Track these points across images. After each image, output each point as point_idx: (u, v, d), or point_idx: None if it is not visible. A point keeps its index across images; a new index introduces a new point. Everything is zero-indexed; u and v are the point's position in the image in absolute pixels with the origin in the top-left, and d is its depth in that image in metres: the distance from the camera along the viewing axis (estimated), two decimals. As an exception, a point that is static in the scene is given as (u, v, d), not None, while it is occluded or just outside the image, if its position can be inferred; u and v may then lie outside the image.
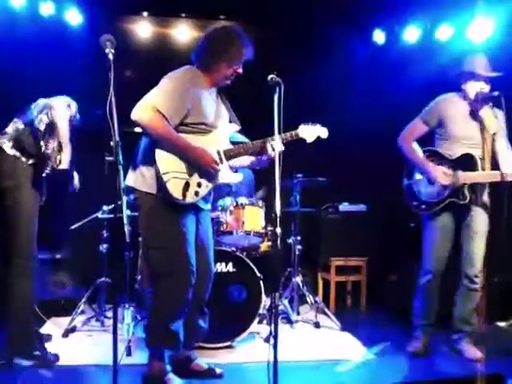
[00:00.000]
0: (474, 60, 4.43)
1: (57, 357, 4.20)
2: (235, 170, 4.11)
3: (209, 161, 3.68)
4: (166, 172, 3.56)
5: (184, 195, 3.61)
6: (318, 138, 3.99)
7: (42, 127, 4.12)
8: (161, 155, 3.58)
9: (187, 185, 3.63)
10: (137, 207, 3.83)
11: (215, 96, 3.92)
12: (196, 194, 3.69)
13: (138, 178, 3.70)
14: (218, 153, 3.81)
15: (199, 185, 3.70)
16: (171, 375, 3.75)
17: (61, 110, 4.19)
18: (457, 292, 4.56)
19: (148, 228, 3.76)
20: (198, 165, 3.66)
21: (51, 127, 4.13)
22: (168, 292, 3.68)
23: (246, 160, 4.05)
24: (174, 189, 3.59)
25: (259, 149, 3.88)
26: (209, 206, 3.99)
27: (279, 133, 3.37)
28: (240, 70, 3.81)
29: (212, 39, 3.78)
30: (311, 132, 3.96)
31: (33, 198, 4.10)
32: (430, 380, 3.89)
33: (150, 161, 3.61)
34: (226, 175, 3.87)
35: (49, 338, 4.59)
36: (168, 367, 3.78)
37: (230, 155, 3.85)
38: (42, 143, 4.06)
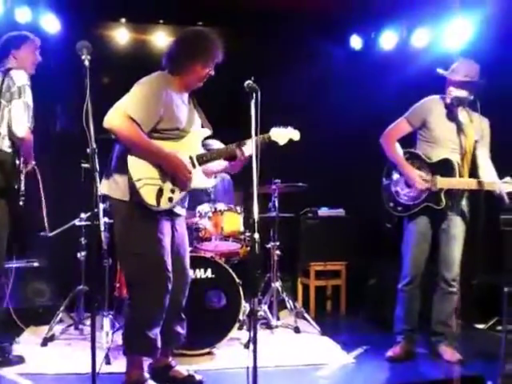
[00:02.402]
0: (454, 65, 4.47)
1: (22, 358, 4.25)
2: (214, 176, 4.12)
3: (180, 168, 3.67)
4: (138, 179, 3.55)
5: (158, 202, 3.60)
6: (291, 140, 3.99)
7: (8, 152, 4.04)
8: (133, 162, 3.57)
9: (160, 191, 3.62)
10: (111, 214, 3.83)
11: (187, 101, 3.91)
12: (170, 200, 3.67)
13: (111, 186, 3.67)
14: (191, 158, 3.80)
15: (172, 191, 3.68)
16: (150, 382, 3.74)
17: (23, 130, 4.01)
18: (434, 295, 4.59)
19: (123, 235, 3.71)
20: (170, 171, 3.65)
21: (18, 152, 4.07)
22: (145, 299, 3.66)
23: (219, 166, 4.06)
24: (148, 195, 3.57)
25: (232, 153, 3.89)
26: (184, 211, 3.98)
27: (256, 136, 3.38)
28: (212, 72, 3.81)
29: (185, 41, 3.79)
30: (283, 135, 3.95)
31: (3, 227, 4.08)
32: (410, 383, 3.92)
33: (123, 168, 3.59)
34: (199, 180, 3.86)
35: (21, 360, 4.37)
36: (146, 375, 3.77)
37: (202, 160, 3.85)
38: (16, 178, 4.02)
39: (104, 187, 3.67)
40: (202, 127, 3.99)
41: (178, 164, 3.66)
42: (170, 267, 3.70)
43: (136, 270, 3.68)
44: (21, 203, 4.08)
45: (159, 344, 3.74)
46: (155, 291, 3.66)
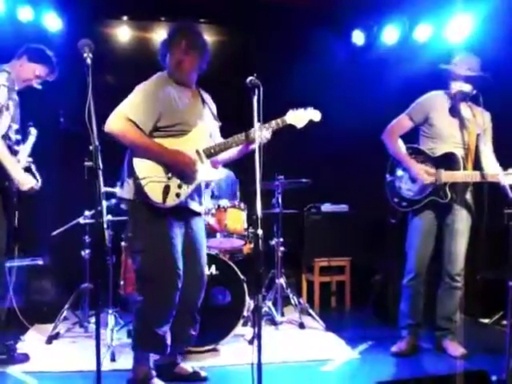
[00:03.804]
0: (456, 59, 4.46)
1: (27, 356, 4.29)
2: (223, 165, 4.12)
3: (185, 161, 3.68)
4: (143, 177, 3.59)
5: (164, 199, 3.61)
6: (311, 121, 3.86)
7: None
8: (138, 161, 3.61)
9: (167, 188, 3.63)
10: (127, 216, 3.87)
11: (192, 96, 3.91)
12: (177, 195, 3.67)
13: (124, 188, 3.75)
14: (198, 152, 3.80)
15: (180, 186, 3.69)
16: (156, 380, 3.75)
17: None
18: (439, 290, 4.59)
19: (134, 233, 3.79)
20: (175, 167, 3.66)
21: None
22: (154, 296, 3.68)
23: (225, 155, 4.02)
24: (153, 193, 3.59)
25: (240, 143, 3.88)
26: (202, 209, 3.97)
27: (260, 133, 3.40)
28: (186, 64, 3.77)
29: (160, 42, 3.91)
30: (301, 117, 3.83)
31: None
32: (414, 378, 3.91)
33: (131, 169, 3.65)
34: (207, 173, 3.86)
35: (26, 358, 4.39)
36: (153, 372, 3.77)
37: (210, 153, 3.84)
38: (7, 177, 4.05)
39: (118, 191, 3.82)
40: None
41: (181, 159, 3.67)
42: (180, 264, 3.71)
43: (146, 267, 3.71)
44: (14, 200, 4.11)
45: (168, 341, 3.76)
46: (164, 288, 3.68)
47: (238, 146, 3.89)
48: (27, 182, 4.15)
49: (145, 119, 3.62)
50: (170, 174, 3.66)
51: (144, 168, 3.61)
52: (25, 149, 4.32)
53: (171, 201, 3.65)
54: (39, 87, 4.40)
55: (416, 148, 4.58)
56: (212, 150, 3.84)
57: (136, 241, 3.76)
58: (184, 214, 3.80)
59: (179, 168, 3.67)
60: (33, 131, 4.40)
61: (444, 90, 4.55)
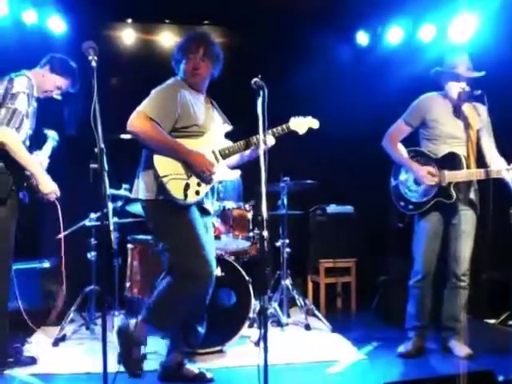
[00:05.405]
0: (456, 60, 4.45)
1: (33, 359, 4.28)
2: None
3: (205, 164, 3.76)
4: (165, 175, 3.67)
5: (185, 195, 3.70)
6: (310, 129, 4.07)
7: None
8: (159, 159, 3.69)
9: (187, 185, 3.72)
10: (145, 216, 3.92)
11: (204, 100, 4.03)
12: (197, 193, 3.77)
13: (140, 188, 3.81)
14: (213, 153, 3.90)
15: (199, 184, 3.78)
16: (188, 366, 3.93)
17: (13, 142, 3.95)
18: (445, 290, 4.58)
19: (159, 233, 3.91)
20: (195, 167, 3.74)
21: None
22: (189, 291, 3.74)
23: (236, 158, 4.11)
24: (175, 190, 3.68)
25: (252, 145, 3.95)
26: (212, 210, 4.05)
27: (264, 135, 3.42)
28: (202, 71, 3.88)
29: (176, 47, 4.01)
30: (302, 124, 4.05)
31: (11, 226, 4.10)
32: (420, 378, 3.91)
33: (150, 168, 3.73)
34: (223, 173, 3.96)
35: (33, 361, 4.35)
36: (185, 360, 3.93)
37: (225, 154, 3.94)
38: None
39: (133, 191, 3.88)
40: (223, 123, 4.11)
41: (201, 161, 3.76)
42: (211, 255, 3.79)
43: (179, 264, 3.75)
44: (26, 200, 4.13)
45: (203, 331, 3.94)
46: (200, 284, 3.75)
47: (249, 149, 3.99)
48: (50, 185, 4.13)
49: (165, 118, 3.71)
50: (189, 173, 3.74)
51: (164, 166, 3.69)
52: (43, 154, 4.35)
53: (192, 198, 3.74)
54: (59, 98, 4.40)
55: (418, 151, 4.58)
56: (227, 151, 3.95)
57: (162, 241, 3.87)
58: (199, 212, 3.87)
59: (199, 169, 3.74)
60: (51, 133, 4.43)
61: (438, 92, 4.56)
